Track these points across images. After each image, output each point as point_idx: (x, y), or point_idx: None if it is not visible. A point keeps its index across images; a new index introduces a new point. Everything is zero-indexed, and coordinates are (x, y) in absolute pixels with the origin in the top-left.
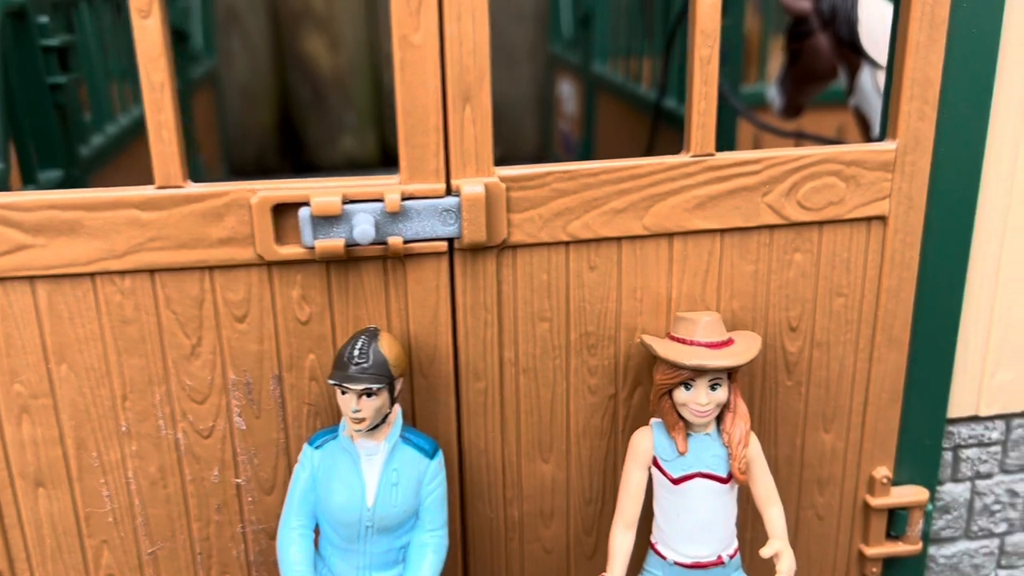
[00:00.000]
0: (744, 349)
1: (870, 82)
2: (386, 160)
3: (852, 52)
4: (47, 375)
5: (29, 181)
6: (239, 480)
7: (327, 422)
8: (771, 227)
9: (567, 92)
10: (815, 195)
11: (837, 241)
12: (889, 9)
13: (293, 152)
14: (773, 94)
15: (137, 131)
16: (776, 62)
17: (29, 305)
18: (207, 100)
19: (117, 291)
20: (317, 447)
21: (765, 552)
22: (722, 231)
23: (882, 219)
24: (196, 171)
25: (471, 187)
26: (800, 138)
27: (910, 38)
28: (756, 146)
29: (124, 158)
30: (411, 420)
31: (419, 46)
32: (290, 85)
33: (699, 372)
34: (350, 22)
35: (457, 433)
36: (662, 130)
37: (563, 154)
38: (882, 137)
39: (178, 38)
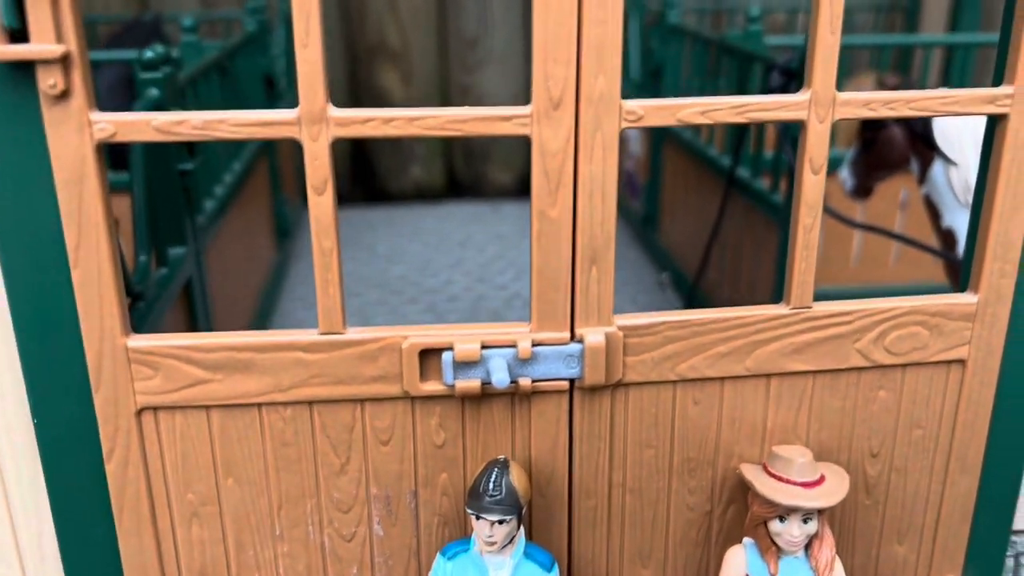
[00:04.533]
0: (834, 489)
1: (942, 175)
2: (452, 188)
3: (925, 146)
4: (215, 486)
5: (161, 264)
6: None
7: (455, 531)
8: (859, 369)
9: (632, 133)
10: (900, 342)
11: (919, 381)
12: None
13: (365, 181)
14: (844, 175)
15: (237, 185)
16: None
17: (204, 429)
18: None
19: (280, 418)
20: (450, 558)
21: None
22: (815, 372)
23: (961, 362)
24: (280, 206)
25: (594, 336)
26: (869, 230)
27: (996, 206)
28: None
29: (230, 219)
30: (528, 532)
31: (555, 219)
32: None
33: (793, 509)
34: (422, 56)
35: (568, 543)
36: (733, 196)
37: (626, 192)
38: (964, 287)
39: (267, 84)
